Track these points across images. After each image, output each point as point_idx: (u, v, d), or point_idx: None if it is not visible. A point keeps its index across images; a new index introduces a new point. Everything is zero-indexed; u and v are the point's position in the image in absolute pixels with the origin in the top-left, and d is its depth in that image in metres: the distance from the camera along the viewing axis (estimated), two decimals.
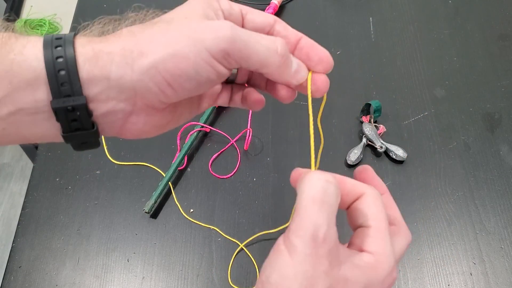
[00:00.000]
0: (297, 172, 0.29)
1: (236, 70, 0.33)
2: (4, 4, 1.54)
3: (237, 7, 0.30)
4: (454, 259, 0.58)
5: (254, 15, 0.30)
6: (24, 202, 0.64)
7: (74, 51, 0.25)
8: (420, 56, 0.77)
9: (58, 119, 0.25)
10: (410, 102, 0.72)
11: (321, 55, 0.30)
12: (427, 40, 0.78)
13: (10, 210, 1.53)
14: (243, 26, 0.30)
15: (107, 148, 0.67)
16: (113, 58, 0.25)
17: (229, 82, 0.34)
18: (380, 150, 0.65)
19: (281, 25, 0.31)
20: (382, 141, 0.66)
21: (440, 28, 0.80)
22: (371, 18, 0.82)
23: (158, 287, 0.58)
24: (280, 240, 0.26)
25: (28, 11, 1.51)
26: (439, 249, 0.59)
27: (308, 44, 0.30)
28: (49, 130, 0.26)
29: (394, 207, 0.31)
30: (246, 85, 0.34)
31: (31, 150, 1.41)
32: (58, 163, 0.67)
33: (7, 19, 0.27)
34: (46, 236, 0.61)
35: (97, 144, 0.28)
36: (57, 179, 0.65)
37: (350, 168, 0.65)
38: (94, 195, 0.64)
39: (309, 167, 0.29)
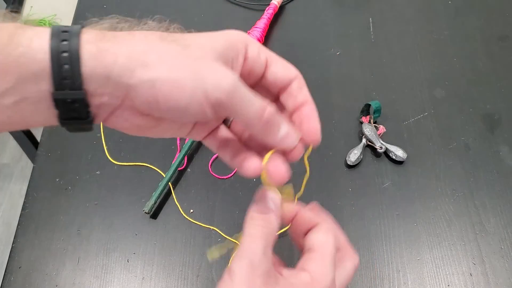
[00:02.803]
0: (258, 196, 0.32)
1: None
2: (4, 5, 1.54)
3: (264, 56, 0.30)
4: (454, 260, 0.59)
5: (278, 68, 0.30)
6: (24, 202, 0.64)
7: (79, 47, 0.26)
8: (420, 56, 0.77)
9: (57, 108, 0.27)
10: (410, 102, 0.72)
11: (311, 129, 0.31)
12: (427, 40, 0.78)
13: (10, 210, 1.53)
14: (263, 75, 0.31)
15: (107, 149, 0.67)
16: (116, 59, 0.26)
17: (224, 122, 0.34)
18: (380, 151, 0.65)
19: (298, 83, 0.31)
20: (382, 141, 0.66)
21: (440, 28, 0.80)
22: (371, 19, 0.82)
23: (158, 287, 0.58)
24: (225, 271, 0.29)
25: (28, 11, 1.50)
26: (439, 250, 0.59)
27: (307, 112, 0.31)
28: (50, 117, 0.28)
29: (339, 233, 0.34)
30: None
31: (31, 150, 1.41)
32: (58, 164, 0.67)
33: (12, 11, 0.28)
34: (46, 237, 0.61)
35: (91, 129, 0.30)
36: (57, 180, 0.65)
37: (349, 169, 0.65)
38: (94, 195, 0.64)
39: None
